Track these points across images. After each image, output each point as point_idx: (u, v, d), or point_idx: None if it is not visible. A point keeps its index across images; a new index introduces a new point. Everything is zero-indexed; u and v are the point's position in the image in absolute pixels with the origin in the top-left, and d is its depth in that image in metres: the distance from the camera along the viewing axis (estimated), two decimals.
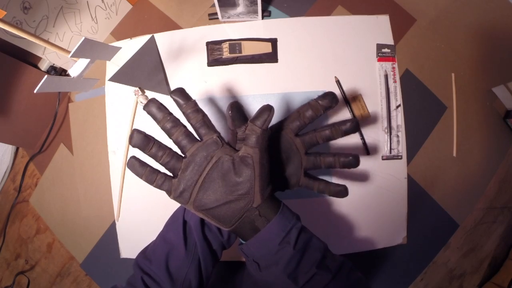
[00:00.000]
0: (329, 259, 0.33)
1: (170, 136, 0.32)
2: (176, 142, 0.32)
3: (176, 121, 0.32)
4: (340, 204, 0.58)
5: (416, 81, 0.61)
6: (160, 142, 0.32)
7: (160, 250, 0.38)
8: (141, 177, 0.32)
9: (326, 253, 0.34)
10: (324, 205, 0.59)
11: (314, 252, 0.32)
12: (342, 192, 0.37)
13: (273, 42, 0.61)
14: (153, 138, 0.32)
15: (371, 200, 0.58)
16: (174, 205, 0.58)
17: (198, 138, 0.33)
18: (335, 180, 0.59)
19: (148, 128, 0.62)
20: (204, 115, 0.33)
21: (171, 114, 0.32)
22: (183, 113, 0.32)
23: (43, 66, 0.66)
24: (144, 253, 0.39)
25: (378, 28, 0.62)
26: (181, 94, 0.32)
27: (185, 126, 0.32)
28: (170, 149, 0.33)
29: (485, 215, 0.66)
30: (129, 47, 0.59)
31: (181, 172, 0.32)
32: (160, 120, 0.32)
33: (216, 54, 0.62)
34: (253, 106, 0.61)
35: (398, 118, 0.59)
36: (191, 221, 0.38)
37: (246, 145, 0.31)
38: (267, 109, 0.31)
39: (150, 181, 0.32)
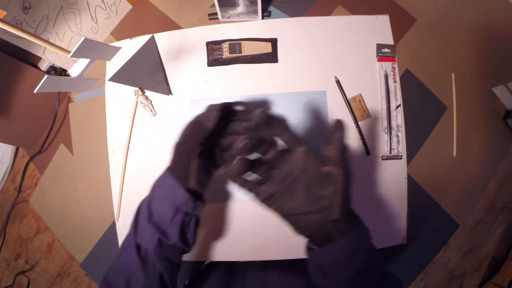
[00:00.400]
0: (389, 276, 0.36)
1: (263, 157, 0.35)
2: (269, 162, 0.35)
3: (271, 142, 0.34)
4: None
5: (416, 81, 0.61)
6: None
7: (119, 276, 0.38)
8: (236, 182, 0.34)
9: (386, 270, 0.36)
10: None
11: (378, 268, 0.34)
12: None
13: (273, 42, 0.62)
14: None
15: (371, 200, 0.58)
16: None
17: (288, 149, 0.34)
18: None
19: (147, 129, 0.62)
20: (292, 131, 0.34)
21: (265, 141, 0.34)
22: (273, 133, 0.33)
23: (43, 66, 0.66)
24: (105, 279, 0.40)
25: (378, 28, 0.62)
26: (268, 116, 0.32)
27: (276, 146, 0.35)
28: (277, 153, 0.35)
29: (485, 215, 0.66)
30: (129, 47, 0.59)
31: (271, 179, 0.34)
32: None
33: (216, 54, 0.62)
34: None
35: (398, 118, 0.59)
36: (148, 246, 0.38)
37: (329, 164, 0.32)
38: (338, 129, 0.32)
39: (242, 186, 0.34)
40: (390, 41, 0.61)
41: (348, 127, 0.59)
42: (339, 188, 0.32)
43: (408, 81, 0.61)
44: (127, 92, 0.62)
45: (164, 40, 0.63)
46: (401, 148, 0.59)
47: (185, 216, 0.39)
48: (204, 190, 0.41)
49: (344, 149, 0.32)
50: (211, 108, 0.38)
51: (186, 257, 0.60)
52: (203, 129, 0.38)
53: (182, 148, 0.39)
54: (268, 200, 0.34)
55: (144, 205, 0.40)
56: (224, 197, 0.60)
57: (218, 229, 0.60)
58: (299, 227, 0.35)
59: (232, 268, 0.60)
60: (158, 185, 0.40)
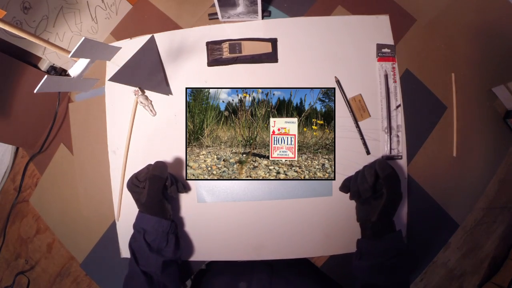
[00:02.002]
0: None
1: None
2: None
3: None
4: (340, 204, 0.58)
5: (416, 81, 0.61)
6: None
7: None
8: None
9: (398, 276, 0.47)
10: (324, 204, 0.59)
11: (399, 270, 0.47)
12: None
13: (273, 42, 0.62)
14: None
15: None
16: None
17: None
18: (336, 180, 0.59)
19: (147, 129, 0.62)
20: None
21: None
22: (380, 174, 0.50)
23: (43, 66, 0.66)
24: None
25: (378, 28, 0.62)
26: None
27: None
28: None
29: (485, 215, 0.66)
30: (129, 47, 0.59)
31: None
32: None
33: (216, 54, 0.62)
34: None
35: (398, 118, 0.59)
36: (156, 269, 0.50)
37: (383, 187, 0.49)
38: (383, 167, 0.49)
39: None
40: (390, 41, 0.61)
41: (348, 127, 0.59)
42: (382, 202, 0.48)
43: (408, 81, 0.61)
44: (127, 92, 0.62)
45: (164, 40, 0.64)
46: (401, 148, 0.59)
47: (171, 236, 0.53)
48: (171, 215, 0.55)
49: (388, 176, 0.48)
50: (157, 164, 0.53)
51: (186, 257, 0.60)
52: (161, 178, 0.51)
53: (152, 194, 0.51)
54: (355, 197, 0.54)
55: (139, 242, 0.51)
56: (224, 196, 0.60)
57: (218, 229, 0.60)
58: (357, 215, 0.53)
59: (237, 272, 0.60)
60: (142, 225, 0.52)
